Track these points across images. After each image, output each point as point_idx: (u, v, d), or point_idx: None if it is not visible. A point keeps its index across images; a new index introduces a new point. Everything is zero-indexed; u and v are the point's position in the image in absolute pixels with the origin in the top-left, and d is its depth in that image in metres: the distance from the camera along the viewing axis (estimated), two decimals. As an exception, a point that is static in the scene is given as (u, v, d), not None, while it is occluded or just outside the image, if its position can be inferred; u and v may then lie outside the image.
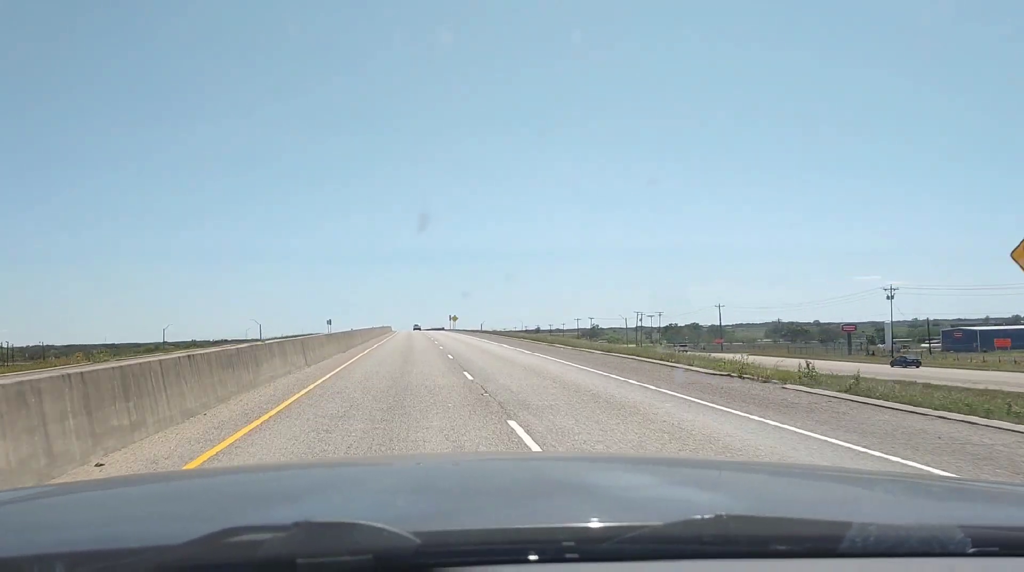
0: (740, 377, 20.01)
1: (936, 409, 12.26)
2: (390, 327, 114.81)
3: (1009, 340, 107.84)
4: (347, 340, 42.70)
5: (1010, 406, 11.69)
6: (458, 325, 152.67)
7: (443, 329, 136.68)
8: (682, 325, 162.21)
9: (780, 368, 21.25)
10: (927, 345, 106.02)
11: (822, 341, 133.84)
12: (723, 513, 1.13)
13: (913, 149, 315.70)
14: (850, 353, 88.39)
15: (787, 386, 17.35)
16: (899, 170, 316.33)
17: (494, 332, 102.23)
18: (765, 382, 18.46)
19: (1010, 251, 12.20)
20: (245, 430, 10.43)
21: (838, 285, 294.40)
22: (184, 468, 7.64)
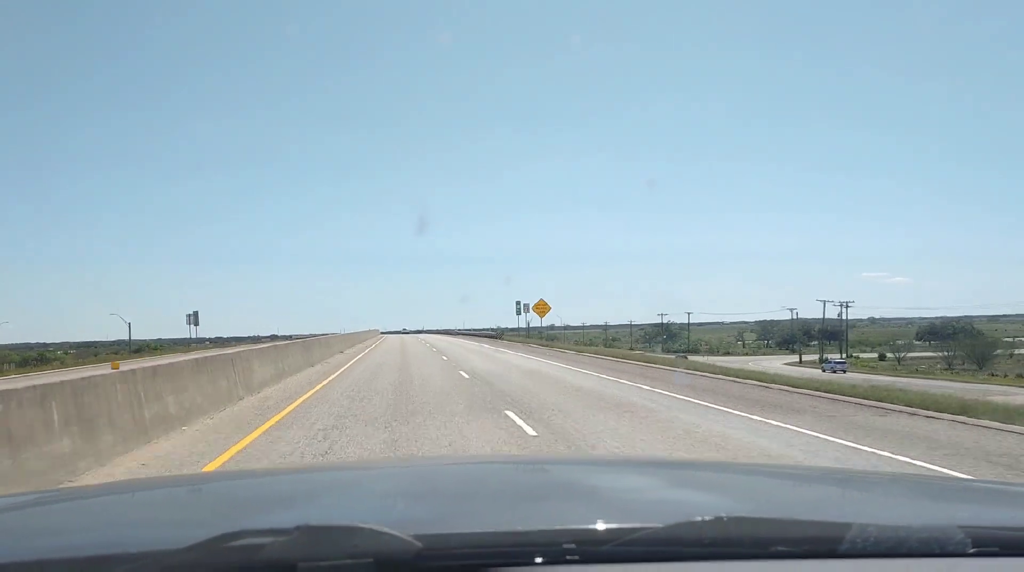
0: None
1: None
2: (377, 330, 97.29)
3: None
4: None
5: None
6: (465, 326, 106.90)
7: (494, 337, 70.35)
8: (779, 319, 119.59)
9: None
10: None
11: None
12: (724, 515, 1.13)
13: (914, 147, 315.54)
14: None
15: None
16: (898, 168, 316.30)
17: (486, 335, 78.25)
18: None
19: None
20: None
21: (844, 283, 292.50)
22: (185, 472, 7.62)
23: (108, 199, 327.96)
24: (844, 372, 55.74)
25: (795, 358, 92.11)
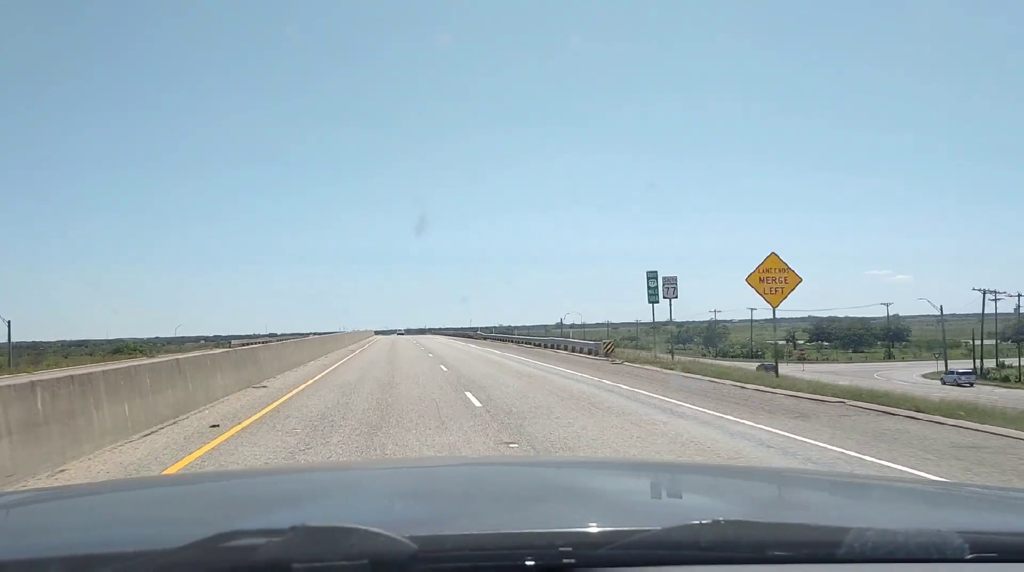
0: None
1: None
2: (371, 331, 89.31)
3: None
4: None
5: None
6: (472, 324, 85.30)
7: (592, 353, 31.72)
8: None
9: None
10: None
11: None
12: (721, 518, 1.12)
13: (916, 146, 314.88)
14: None
15: None
16: (900, 167, 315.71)
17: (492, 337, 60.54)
18: None
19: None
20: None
21: (849, 281, 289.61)
22: (181, 472, 7.60)
23: (108, 199, 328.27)
24: (971, 385, 45.80)
25: (927, 366, 75.63)
